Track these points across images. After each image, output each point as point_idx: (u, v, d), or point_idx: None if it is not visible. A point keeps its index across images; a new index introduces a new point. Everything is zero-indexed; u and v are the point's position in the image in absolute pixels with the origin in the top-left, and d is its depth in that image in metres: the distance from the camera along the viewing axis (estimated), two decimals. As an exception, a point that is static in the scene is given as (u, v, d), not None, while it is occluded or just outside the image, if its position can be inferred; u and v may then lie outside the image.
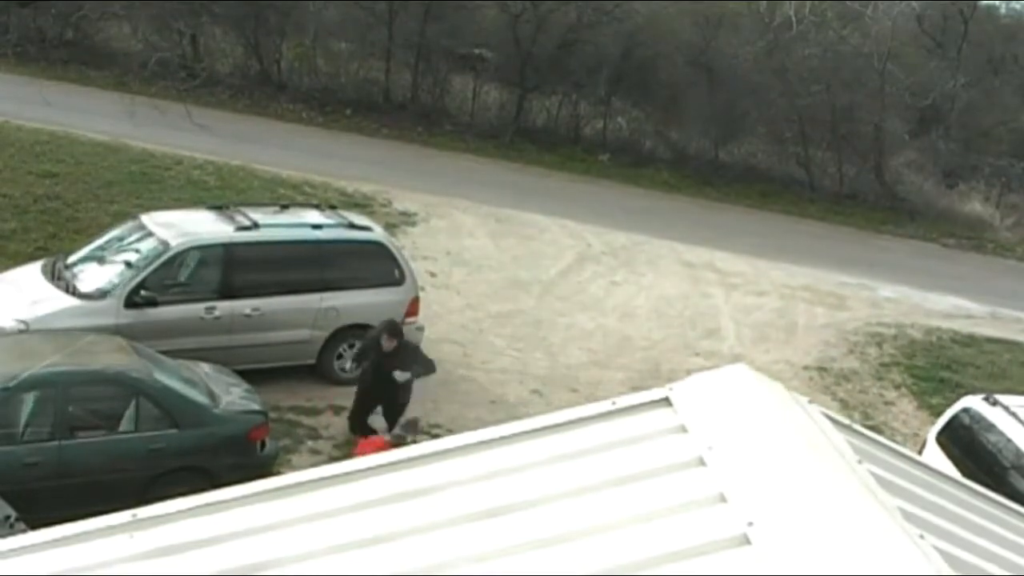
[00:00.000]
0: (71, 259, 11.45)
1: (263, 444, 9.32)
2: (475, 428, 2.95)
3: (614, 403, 2.73)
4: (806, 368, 14.56)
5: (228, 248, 11.27)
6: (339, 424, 10.94)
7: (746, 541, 2.15)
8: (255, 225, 11.53)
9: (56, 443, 8.36)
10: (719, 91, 26.20)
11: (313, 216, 12.46)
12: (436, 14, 25.31)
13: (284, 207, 12.99)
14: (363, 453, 8.67)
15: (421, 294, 12.55)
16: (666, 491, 2.33)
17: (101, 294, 10.65)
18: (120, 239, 11.76)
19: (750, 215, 23.26)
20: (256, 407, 9.52)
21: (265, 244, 11.44)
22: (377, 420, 10.51)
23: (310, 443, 10.48)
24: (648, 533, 2.22)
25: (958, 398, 11.27)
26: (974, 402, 10.81)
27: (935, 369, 15.21)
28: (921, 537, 2.29)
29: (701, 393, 2.17)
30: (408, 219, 17.96)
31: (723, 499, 2.26)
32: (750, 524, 2.17)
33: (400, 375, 10.27)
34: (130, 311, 10.53)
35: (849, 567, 1.99)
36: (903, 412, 13.75)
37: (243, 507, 2.67)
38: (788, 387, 2.81)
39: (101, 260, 11.42)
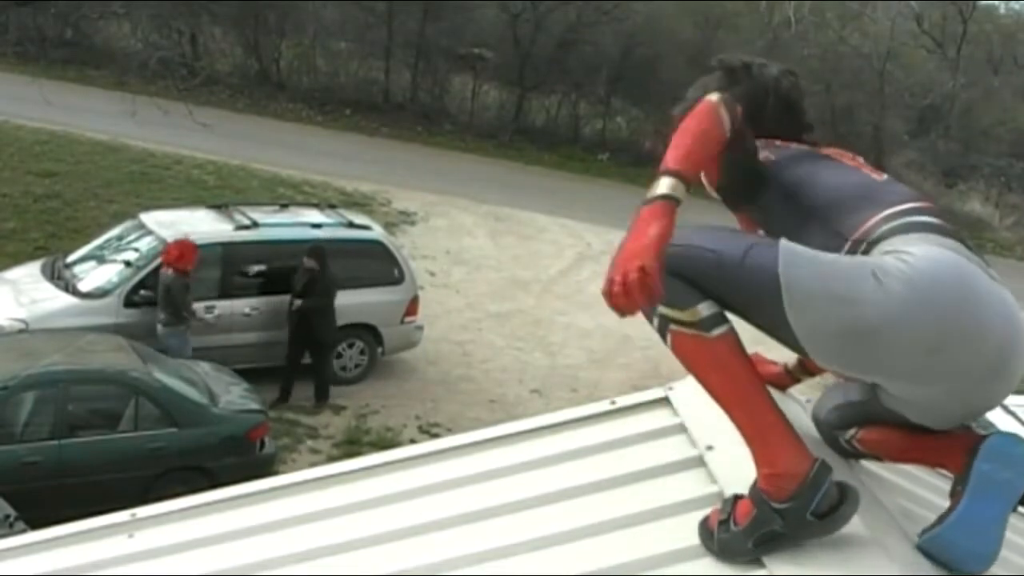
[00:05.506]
0: (71, 258, 11.47)
1: (262, 443, 9.32)
2: (474, 428, 2.95)
3: (613, 403, 2.73)
4: (805, 367, 14.53)
5: (227, 247, 11.29)
6: (339, 423, 10.96)
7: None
8: (254, 224, 11.55)
9: (56, 442, 8.37)
10: (718, 91, 26.15)
11: (313, 215, 12.49)
12: (435, 14, 25.31)
13: (284, 206, 13.03)
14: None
15: (420, 293, 12.56)
16: (665, 491, 2.33)
17: (101, 293, 10.66)
18: (120, 238, 11.79)
19: (750, 214, 23.19)
20: (255, 406, 9.53)
21: (264, 243, 11.46)
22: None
23: (309, 442, 10.48)
24: (647, 533, 2.22)
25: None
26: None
27: (934, 369, 15.17)
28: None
29: (701, 392, 2.17)
30: (408, 218, 17.96)
31: (723, 499, 2.26)
32: (749, 524, 2.17)
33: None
34: (130, 310, 10.55)
35: (848, 567, 1.99)
36: (902, 412, 13.73)
37: (242, 507, 2.67)
38: (787, 387, 2.80)
39: (101, 259, 11.44)
